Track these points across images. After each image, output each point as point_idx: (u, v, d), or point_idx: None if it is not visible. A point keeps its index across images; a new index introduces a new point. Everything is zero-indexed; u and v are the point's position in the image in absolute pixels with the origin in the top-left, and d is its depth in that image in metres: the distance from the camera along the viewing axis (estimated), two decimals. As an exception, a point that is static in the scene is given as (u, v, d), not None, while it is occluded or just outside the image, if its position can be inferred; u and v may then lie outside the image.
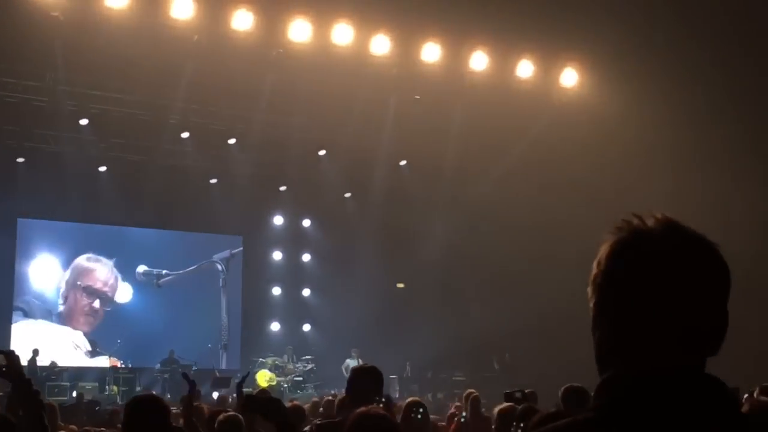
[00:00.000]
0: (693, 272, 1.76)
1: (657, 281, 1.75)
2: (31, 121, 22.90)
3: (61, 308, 24.64)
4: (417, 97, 24.09)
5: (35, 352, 22.57)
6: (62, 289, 24.79)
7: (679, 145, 22.24)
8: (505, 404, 6.76)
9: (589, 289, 1.85)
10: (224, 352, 25.03)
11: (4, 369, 4.34)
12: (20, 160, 23.86)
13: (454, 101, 24.09)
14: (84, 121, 23.32)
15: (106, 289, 25.03)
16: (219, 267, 24.49)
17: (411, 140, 25.10)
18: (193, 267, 25.43)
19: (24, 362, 21.48)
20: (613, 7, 21.55)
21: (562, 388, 6.86)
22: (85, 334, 24.69)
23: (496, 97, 23.62)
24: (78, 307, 24.79)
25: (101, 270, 25.16)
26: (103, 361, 24.38)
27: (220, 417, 6.87)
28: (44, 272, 24.95)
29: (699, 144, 21.96)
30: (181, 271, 25.53)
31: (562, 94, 24.55)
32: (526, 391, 7.78)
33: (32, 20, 19.36)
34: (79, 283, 24.89)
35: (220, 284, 23.98)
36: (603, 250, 1.83)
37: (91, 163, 24.39)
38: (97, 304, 24.88)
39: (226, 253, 24.74)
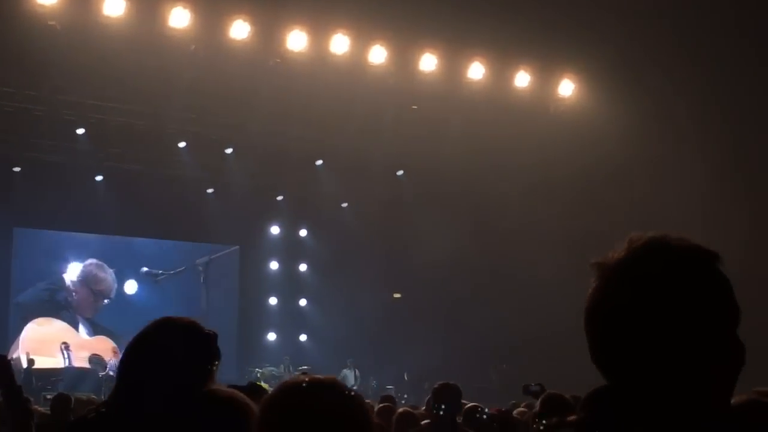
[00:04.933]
0: (679, 289, 1.70)
1: (637, 302, 1.71)
2: (27, 130, 22.85)
3: (70, 299, 25.66)
4: (414, 107, 24.09)
5: (30, 362, 22.59)
6: (71, 284, 25.67)
7: (678, 154, 22.24)
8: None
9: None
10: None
11: None
12: (17, 169, 23.83)
13: (452, 111, 24.08)
14: (81, 131, 23.29)
15: (111, 293, 26.28)
16: (200, 269, 25.26)
17: (408, 150, 25.10)
18: (181, 269, 25.85)
19: (21, 370, 21.67)
20: (610, 18, 21.57)
21: (542, 396, 6.83)
22: (91, 319, 26.01)
23: (493, 107, 23.63)
24: (87, 302, 25.91)
25: (108, 280, 26.26)
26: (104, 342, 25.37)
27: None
28: (41, 281, 25.05)
29: (698, 153, 21.96)
30: (172, 271, 25.97)
31: (560, 104, 24.57)
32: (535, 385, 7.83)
33: (29, 29, 19.33)
34: (91, 286, 25.96)
35: (201, 280, 24.78)
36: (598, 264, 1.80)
37: (87, 172, 24.38)
38: (102, 302, 26.23)
39: (205, 258, 25.51)
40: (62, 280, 25.59)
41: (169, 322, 3.31)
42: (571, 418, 4.70)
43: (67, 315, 25.49)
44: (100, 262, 26.07)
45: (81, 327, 25.68)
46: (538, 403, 6.61)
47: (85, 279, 25.86)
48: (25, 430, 4.37)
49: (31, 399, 10.51)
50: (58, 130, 22.91)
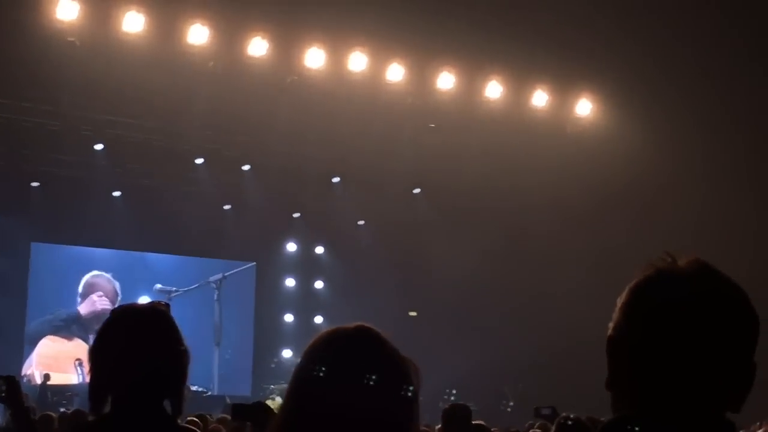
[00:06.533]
0: (716, 319, 1.66)
1: (676, 323, 1.65)
2: (46, 145, 22.93)
3: (80, 314, 25.48)
4: (432, 125, 24.09)
5: (46, 377, 22.64)
6: (78, 301, 25.52)
7: (695, 173, 22.15)
8: None
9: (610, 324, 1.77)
10: (217, 349, 25.32)
11: (3, 395, 4.26)
12: (35, 184, 23.93)
13: (469, 129, 24.06)
14: (99, 146, 23.38)
15: (112, 296, 25.98)
16: (213, 286, 25.41)
17: (425, 168, 25.07)
18: (194, 286, 25.92)
19: (35, 386, 21.71)
20: (627, 37, 21.55)
21: (557, 420, 6.75)
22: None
23: (511, 126, 23.63)
24: (94, 313, 25.41)
25: (102, 282, 26.04)
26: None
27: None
28: (57, 296, 25.12)
29: (718, 170, 21.88)
30: (185, 289, 25.99)
31: (577, 123, 24.54)
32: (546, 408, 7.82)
33: (49, 45, 19.47)
34: (90, 294, 25.75)
35: (214, 297, 24.87)
36: (628, 285, 1.75)
37: (105, 188, 24.44)
38: (108, 308, 25.55)
39: (219, 275, 25.55)
40: (77, 313, 25.54)
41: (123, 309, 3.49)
42: None
43: (78, 330, 25.37)
44: (97, 272, 26.00)
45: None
46: (553, 428, 6.55)
47: (86, 292, 25.79)
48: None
49: (53, 414, 10.50)
50: (76, 145, 22.98)
